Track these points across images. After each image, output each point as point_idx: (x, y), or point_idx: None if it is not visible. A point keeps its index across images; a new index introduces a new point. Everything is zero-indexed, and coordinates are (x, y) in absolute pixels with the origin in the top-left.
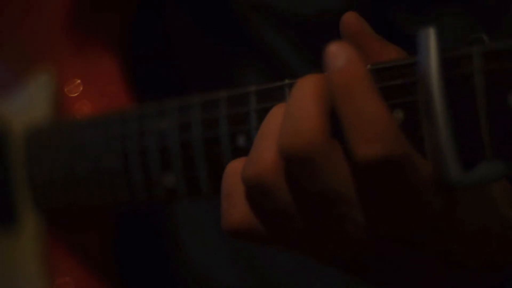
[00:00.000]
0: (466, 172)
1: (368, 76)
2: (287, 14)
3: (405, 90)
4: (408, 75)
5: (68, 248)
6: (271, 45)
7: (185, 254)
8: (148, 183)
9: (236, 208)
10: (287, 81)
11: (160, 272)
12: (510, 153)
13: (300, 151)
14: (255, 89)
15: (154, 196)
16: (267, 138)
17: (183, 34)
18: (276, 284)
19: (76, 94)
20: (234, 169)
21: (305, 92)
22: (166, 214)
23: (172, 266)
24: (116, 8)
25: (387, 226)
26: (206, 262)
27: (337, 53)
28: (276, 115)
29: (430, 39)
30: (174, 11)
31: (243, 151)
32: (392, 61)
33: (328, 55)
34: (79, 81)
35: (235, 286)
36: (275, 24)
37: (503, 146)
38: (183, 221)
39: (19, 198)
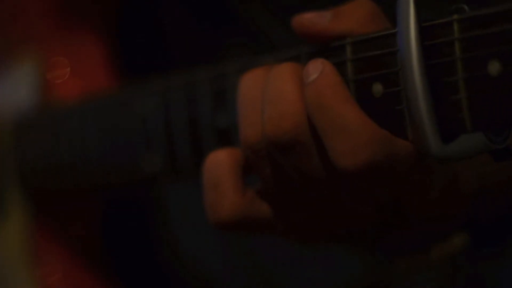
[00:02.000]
0: (447, 145)
1: (340, 85)
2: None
3: (385, 62)
4: (387, 46)
5: (55, 237)
6: (261, 27)
7: (175, 244)
8: (132, 164)
9: (225, 197)
10: (266, 58)
11: (151, 262)
12: (491, 125)
13: (285, 134)
14: (238, 67)
15: (139, 177)
16: (253, 112)
17: (171, 14)
18: (268, 274)
19: (62, 79)
20: (217, 159)
21: (284, 79)
22: (156, 204)
23: (163, 257)
24: None
25: (368, 199)
26: (197, 252)
27: (311, 69)
28: (254, 85)
29: (409, 8)
30: None
31: (223, 131)
32: (371, 32)
33: (304, 72)
34: (65, 65)
35: (226, 276)
36: (264, 6)
37: (484, 117)
38: (173, 211)
39: (6, 186)
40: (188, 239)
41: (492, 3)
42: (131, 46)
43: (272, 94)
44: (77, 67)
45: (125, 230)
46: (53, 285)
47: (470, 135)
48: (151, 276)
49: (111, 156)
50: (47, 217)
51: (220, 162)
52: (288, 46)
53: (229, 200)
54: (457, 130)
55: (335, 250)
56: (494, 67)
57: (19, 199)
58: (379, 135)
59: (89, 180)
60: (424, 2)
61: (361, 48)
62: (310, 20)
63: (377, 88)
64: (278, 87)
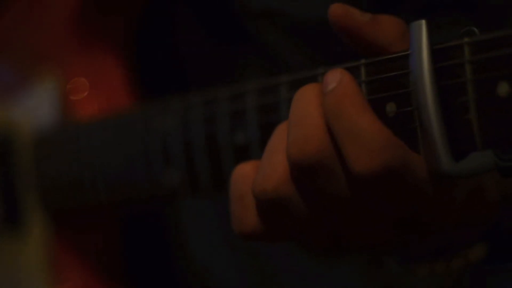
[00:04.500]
0: (457, 163)
1: (358, 94)
2: (292, 19)
3: (398, 83)
4: (400, 68)
5: (74, 252)
6: (275, 48)
7: (187, 252)
8: (151, 182)
9: (250, 211)
10: (282, 78)
11: (163, 271)
12: (500, 143)
13: (310, 158)
14: (254, 86)
15: (158, 193)
16: (277, 152)
17: (188, 35)
18: (276, 281)
19: (82, 96)
20: (244, 172)
21: (308, 101)
22: (169, 214)
23: (175, 265)
24: (121, 8)
25: (390, 214)
26: (206, 259)
27: (330, 78)
28: (282, 130)
29: (421, 31)
30: (181, 12)
31: (242, 148)
32: (386, 55)
33: (323, 82)
34: (85, 83)
35: (235, 282)
36: (281, 28)
37: (493, 136)
38: (185, 220)
39: (26, 202)
40: (198, 247)
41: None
42: (149, 66)
43: (296, 116)
44: (97, 86)
45: (142, 244)
46: None
47: (480, 153)
48: (164, 284)
49: (130, 173)
50: (67, 232)
51: (245, 175)
52: (302, 67)
53: (253, 216)
54: (468, 148)
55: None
56: (503, 88)
57: (39, 215)
58: (394, 142)
59: (109, 197)
60: (436, 25)
61: (375, 70)
62: (350, 11)
63: (391, 107)
64: (302, 109)
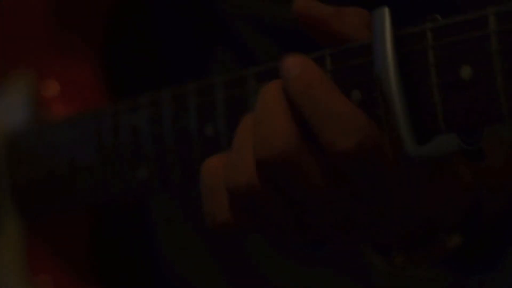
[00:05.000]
0: (421, 146)
1: (325, 77)
2: (267, 21)
3: (363, 70)
4: (364, 55)
5: (48, 248)
6: (250, 47)
7: (161, 252)
8: (122, 177)
9: (222, 205)
10: (250, 70)
11: (138, 270)
12: (464, 126)
13: (277, 157)
14: (222, 79)
15: (129, 189)
16: (246, 147)
17: (164, 33)
18: (256, 279)
19: (55, 97)
20: (213, 167)
21: (271, 99)
22: (142, 212)
23: (149, 265)
24: (95, 9)
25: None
26: (181, 260)
27: (291, 64)
28: (248, 121)
29: (384, 18)
30: (156, 10)
31: (212, 141)
32: (349, 44)
33: (284, 67)
34: (57, 83)
35: (212, 284)
36: (257, 29)
37: (457, 119)
38: (158, 220)
39: (0, 202)
40: (173, 248)
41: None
42: (124, 65)
43: (260, 115)
44: (70, 86)
45: (113, 240)
46: None
47: (445, 136)
48: (139, 284)
49: (102, 169)
50: (40, 230)
51: (215, 168)
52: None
53: (226, 209)
54: (433, 131)
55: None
56: (466, 72)
57: (13, 215)
58: (369, 122)
59: (82, 194)
60: (399, 12)
61: (340, 59)
62: (313, 4)
63: (356, 95)
64: (265, 107)
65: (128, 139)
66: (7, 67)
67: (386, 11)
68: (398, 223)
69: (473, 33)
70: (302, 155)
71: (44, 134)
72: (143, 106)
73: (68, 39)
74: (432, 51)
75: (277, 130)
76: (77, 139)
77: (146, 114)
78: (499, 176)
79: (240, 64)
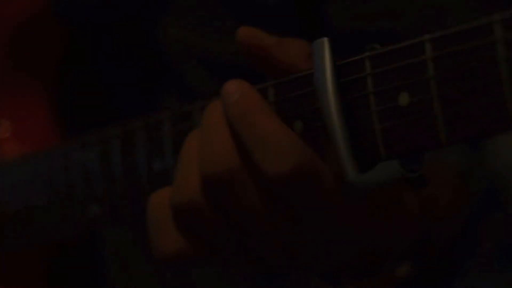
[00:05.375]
0: (363, 174)
1: (261, 102)
2: (209, 54)
3: (303, 101)
4: (306, 86)
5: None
6: (194, 85)
7: (113, 283)
8: (75, 215)
9: (168, 236)
10: (195, 104)
11: None
12: (405, 152)
13: (219, 175)
14: (169, 114)
15: (82, 226)
16: (189, 164)
17: (110, 69)
18: None
19: (6, 136)
20: (159, 198)
21: (215, 118)
22: (96, 245)
23: None
24: (46, 47)
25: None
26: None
27: (230, 89)
28: (192, 141)
29: (324, 48)
30: (104, 47)
31: (160, 175)
32: (292, 74)
33: (223, 92)
34: (8, 124)
35: None
36: (198, 62)
37: (397, 146)
38: (110, 250)
39: None
40: (124, 277)
41: None
42: (74, 101)
43: (204, 133)
44: (22, 125)
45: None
46: None
47: (386, 164)
48: None
49: (55, 208)
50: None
51: (161, 200)
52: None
53: (172, 239)
54: (374, 159)
55: None
56: (403, 99)
57: None
58: (302, 145)
59: (37, 233)
60: (340, 42)
61: (282, 90)
62: (257, 33)
63: (298, 125)
64: (209, 126)
65: (79, 177)
66: None
67: (326, 41)
68: (342, 251)
69: (410, 60)
70: (242, 175)
71: None
72: (92, 144)
73: (20, 78)
74: (371, 79)
75: (220, 149)
76: (29, 179)
77: (95, 151)
78: (447, 206)
79: (185, 101)
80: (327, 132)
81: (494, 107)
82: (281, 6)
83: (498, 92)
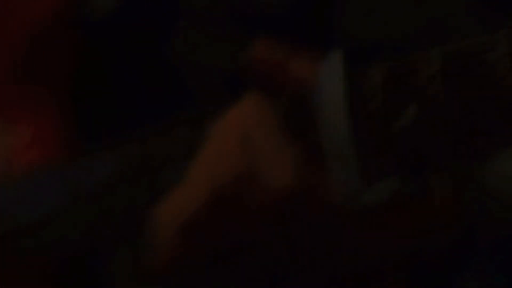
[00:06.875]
0: (369, 189)
1: (273, 120)
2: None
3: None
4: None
5: None
6: (201, 91)
7: None
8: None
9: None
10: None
11: None
12: (413, 167)
13: (230, 189)
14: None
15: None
16: (198, 175)
17: (123, 83)
18: None
19: (24, 143)
20: (163, 210)
21: (226, 131)
22: None
23: None
24: (61, 55)
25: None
26: None
27: (249, 102)
28: (201, 153)
29: (338, 63)
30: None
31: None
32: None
33: (241, 104)
34: (26, 129)
35: None
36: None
37: (404, 160)
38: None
39: None
40: None
41: None
42: (87, 109)
43: (214, 145)
44: (38, 133)
45: None
46: None
47: (391, 178)
48: None
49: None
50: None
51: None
52: None
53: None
54: (376, 175)
55: None
56: (412, 111)
57: None
58: (305, 164)
59: (49, 244)
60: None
61: (289, 106)
62: (273, 48)
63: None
64: (219, 136)
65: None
66: None
67: (339, 55)
68: (337, 264)
69: (420, 72)
70: (249, 186)
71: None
72: (109, 160)
73: (37, 86)
74: (381, 92)
75: (232, 162)
76: (44, 190)
77: (111, 167)
78: (444, 215)
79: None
80: (332, 147)
81: (505, 121)
82: (291, 18)
83: (508, 106)
